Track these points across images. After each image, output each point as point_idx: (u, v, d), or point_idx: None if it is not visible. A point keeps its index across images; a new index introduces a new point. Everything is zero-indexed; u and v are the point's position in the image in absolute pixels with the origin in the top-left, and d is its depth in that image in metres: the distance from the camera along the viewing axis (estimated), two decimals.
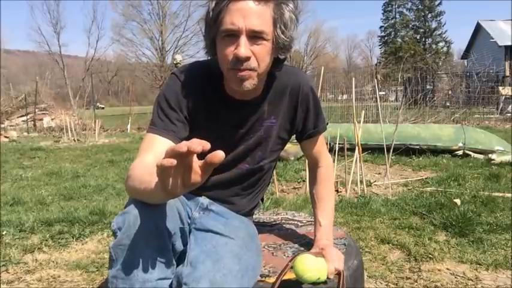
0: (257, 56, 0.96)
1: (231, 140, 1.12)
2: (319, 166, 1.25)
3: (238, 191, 1.19)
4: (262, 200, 1.37)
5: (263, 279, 1.00)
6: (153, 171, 0.76)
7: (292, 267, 1.00)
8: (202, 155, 0.66)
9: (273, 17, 0.96)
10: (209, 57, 1.06)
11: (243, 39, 0.93)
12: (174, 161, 0.63)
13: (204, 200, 1.13)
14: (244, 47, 0.93)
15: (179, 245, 0.94)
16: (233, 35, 0.94)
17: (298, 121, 1.17)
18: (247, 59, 0.95)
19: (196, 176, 0.69)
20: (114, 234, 0.87)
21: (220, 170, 1.14)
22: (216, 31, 0.97)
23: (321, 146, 1.24)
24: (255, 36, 0.94)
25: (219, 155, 0.65)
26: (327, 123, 1.24)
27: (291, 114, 1.16)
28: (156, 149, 0.99)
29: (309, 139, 1.21)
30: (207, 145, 0.64)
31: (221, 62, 0.99)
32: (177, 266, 0.92)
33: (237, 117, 1.11)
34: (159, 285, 0.84)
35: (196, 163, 0.68)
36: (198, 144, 0.63)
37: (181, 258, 0.97)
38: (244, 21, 0.92)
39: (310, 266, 0.98)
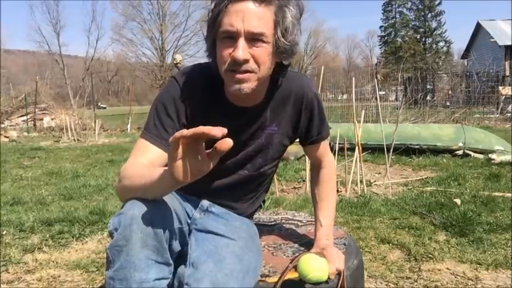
0: (256, 59, 0.93)
1: (231, 147, 1.11)
2: (322, 167, 1.24)
3: (238, 196, 1.18)
4: (263, 202, 1.35)
5: (263, 279, 1.00)
6: (153, 166, 0.90)
7: (296, 267, 1.00)
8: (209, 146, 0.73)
9: (274, 20, 0.93)
10: (211, 60, 1.03)
11: (241, 42, 0.91)
12: (189, 134, 0.68)
13: (204, 202, 1.13)
14: (242, 50, 0.91)
15: (176, 245, 0.93)
16: (232, 37, 0.92)
17: (301, 128, 1.15)
18: (246, 61, 0.92)
19: (204, 163, 0.74)
20: (111, 235, 0.86)
21: (221, 176, 1.12)
22: (215, 33, 0.95)
23: (324, 149, 1.23)
24: (254, 39, 0.92)
25: (228, 142, 0.70)
26: (330, 128, 1.23)
27: (294, 121, 1.13)
28: (148, 156, 0.99)
29: (313, 144, 1.20)
30: (225, 131, 0.69)
31: (219, 64, 0.97)
32: (175, 266, 0.92)
33: (237, 124, 1.07)
34: (157, 285, 0.84)
35: (204, 151, 0.74)
36: (219, 131, 0.68)
37: (179, 258, 0.97)
38: (243, 23, 0.90)
39: (315, 266, 0.98)
